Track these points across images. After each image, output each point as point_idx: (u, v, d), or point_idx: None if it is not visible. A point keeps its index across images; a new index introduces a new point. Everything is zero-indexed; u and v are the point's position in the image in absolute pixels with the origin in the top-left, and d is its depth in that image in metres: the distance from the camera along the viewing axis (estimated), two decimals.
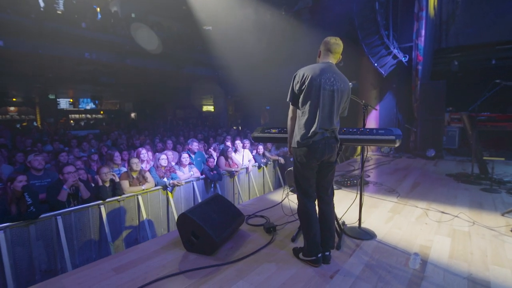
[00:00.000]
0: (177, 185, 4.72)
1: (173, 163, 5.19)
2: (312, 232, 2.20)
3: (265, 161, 6.72)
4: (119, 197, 3.89)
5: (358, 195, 2.89)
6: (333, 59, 2.27)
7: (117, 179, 3.92)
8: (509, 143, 6.72)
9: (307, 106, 2.14)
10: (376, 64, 7.40)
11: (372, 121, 8.56)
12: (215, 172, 5.35)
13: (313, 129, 2.11)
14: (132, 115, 21.61)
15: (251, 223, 3.16)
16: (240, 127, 16.63)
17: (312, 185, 2.25)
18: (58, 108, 18.64)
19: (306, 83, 2.11)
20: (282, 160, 6.98)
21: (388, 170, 6.09)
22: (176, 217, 4.62)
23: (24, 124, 16.92)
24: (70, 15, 8.98)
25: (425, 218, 3.32)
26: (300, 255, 2.35)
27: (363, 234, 2.80)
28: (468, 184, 4.77)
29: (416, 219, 3.30)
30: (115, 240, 3.91)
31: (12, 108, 17.68)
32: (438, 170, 6.00)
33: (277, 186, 6.99)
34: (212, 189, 5.45)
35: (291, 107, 2.28)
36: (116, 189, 3.85)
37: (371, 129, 2.54)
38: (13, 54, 8.26)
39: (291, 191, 4.31)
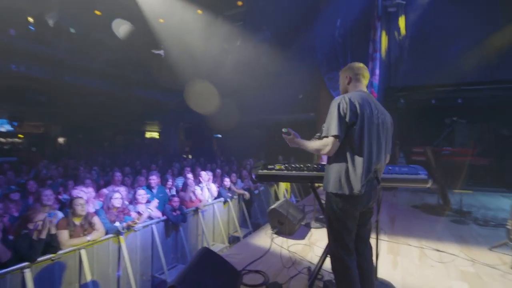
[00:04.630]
0: (132, 226, 3.76)
1: (126, 203, 4.22)
2: None
3: (231, 195, 6.08)
4: (53, 255, 2.83)
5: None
6: (365, 87, 1.96)
7: (53, 230, 2.86)
8: (468, 176, 7.11)
9: (360, 144, 1.71)
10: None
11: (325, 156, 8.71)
12: (178, 212, 4.52)
13: (370, 173, 1.73)
14: (61, 140, 18.71)
15: (248, 283, 2.50)
16: (190, 156, 15.61)
17: (353, 238, 1.80)
18: None
19: (359, 114, 1.71)
20: (247, 196, 6.42)
21: None
22: (131, 272, 3.63)
23: None
24: None
25: (427, 259, 3.11)
26: None
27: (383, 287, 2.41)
28: (438, 216, 4.89)
29: (419, 260, 3.08)
30: None
31: None
32: (401, 201, 6.14)
33: (242, 223, 6.38)
34: (173, 231, 4.57)
35: (330, 140, 1.70)
36: (51, 243, 2.79)
37: (394, 167, 2.25)
38: None
39: (275, 233, 3.78)
